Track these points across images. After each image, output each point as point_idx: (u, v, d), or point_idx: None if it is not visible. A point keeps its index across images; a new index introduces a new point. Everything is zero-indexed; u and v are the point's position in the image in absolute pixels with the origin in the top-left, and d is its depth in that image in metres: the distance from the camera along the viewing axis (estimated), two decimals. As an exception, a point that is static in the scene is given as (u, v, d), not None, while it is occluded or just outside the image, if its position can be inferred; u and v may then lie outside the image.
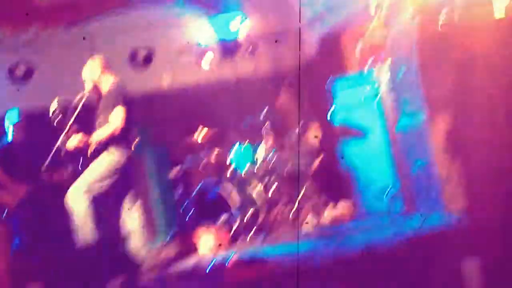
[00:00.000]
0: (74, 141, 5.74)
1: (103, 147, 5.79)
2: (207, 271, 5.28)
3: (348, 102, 7.23)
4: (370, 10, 7.10)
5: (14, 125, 7.15)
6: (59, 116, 5.65)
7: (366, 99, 7.05)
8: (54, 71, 8.31)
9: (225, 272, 5.09)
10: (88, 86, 5.97)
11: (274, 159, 7.41)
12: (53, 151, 5.85)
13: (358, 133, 7.08)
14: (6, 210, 6.80)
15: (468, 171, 5.72)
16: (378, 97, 6.93)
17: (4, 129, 7.23)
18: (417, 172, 6.28)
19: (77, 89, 6.09)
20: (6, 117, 7.23)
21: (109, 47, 8.39)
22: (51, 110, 5.61)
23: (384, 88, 6.91)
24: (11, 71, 8.36)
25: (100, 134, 5.77)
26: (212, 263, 5.34)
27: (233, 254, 5.44)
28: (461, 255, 5.06)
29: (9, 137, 7.19)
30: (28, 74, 8.42)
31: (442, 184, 5.82)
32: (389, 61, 6.74)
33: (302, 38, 9.41)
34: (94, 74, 6.00)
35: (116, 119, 5.74)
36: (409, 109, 6.29)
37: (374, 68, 7.07)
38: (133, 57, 8.90)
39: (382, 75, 6.93)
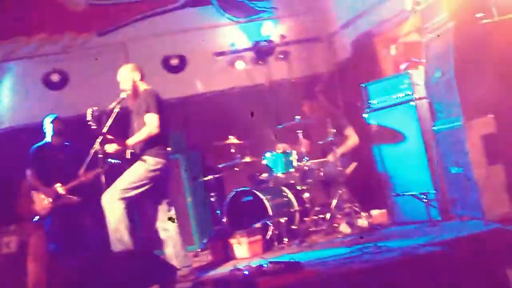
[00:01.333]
0: (111, 148, 5.77)
1: (138, 153, 5.81)
2: (242, 278, 5.23)
3: (383, 107, 7.12)
4: (405, 13, 7.04)
5: (53, 129, 7.25)
6: (95, 122, 5.67)
7: (401, 103, 6.95)
8: (88, 78, 8.40)
9: (260, 279, 5.03)
10: (123, 92, 6.00)
11: (307, 166, 7.36)
12: (90, 155, 5.89)
13: (394, 138, 6.98)
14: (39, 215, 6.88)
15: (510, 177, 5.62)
16: (414, 101, 6.82)
17: (43, 133, 7.33)
18: (454, 177, 6.16)
19: (111, 96, 6.13)
20: (45, 120, 7.32)
21: (142, 53, 8.47)
22: (88, 115, 5.63)
23: (419, 92, 6.81)
24: (46, 79, 8.46)
25: (135, 140, 5.79)
26: (247, 270, 5.29)
27: (268, 261, 5.39)
28: (502, 264, 4.94)
29: (48, 139, 7.28)
30: (63, 81, 8.51)
31: (480, 191, 5.69)
32: (424, 64, 6.64)
33: (335, 42, 9.38)
34: (129, 80, 6.02)
35: (151, 125, 5.75)
36: (446, 114, 6.18)
37: (409, 71, 6.98)
38: (166, 62, 8.94)
39: (418, 79, 6.84)
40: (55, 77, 8.50)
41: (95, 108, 5.69)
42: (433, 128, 6.48)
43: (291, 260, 5.59)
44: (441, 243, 5.44)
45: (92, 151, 5.83)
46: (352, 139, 7.68)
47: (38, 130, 7.39)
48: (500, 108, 5.72)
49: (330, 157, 7.46)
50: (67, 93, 8.52)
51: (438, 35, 6.13)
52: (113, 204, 5.65)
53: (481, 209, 5.71)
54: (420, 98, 6.80)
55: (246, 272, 5.24)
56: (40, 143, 7.33)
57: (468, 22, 5.83)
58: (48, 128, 7.31)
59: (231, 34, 9.24)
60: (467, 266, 5.02)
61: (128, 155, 5.80)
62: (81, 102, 7.88)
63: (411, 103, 6.85)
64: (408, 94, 6.89)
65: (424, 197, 6.59)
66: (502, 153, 5.71)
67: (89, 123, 5.67)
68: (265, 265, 5.28)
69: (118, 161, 5.88)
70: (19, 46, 8.51)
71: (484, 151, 5.75)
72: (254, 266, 5.43)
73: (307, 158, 7.37)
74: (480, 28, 5.73)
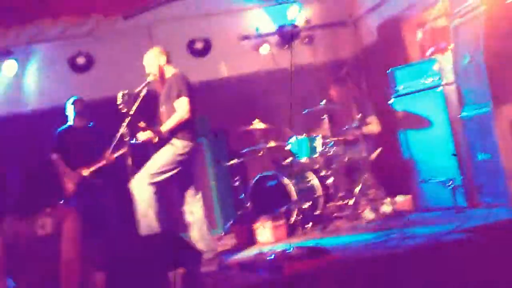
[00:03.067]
0: (144, 136, 5.78)
1: (167, 137, 5.82)
2: (267, 262, 5.24)
3: (410, 92, 7.06)
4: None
5: (74, 111, 7.29)
6: (125, 105, 5.68)
7: (428, 88, 6.88)
8: (113, 61, 8.42)
9: (284, 264, 5.04)
10: (150, 76, 5.99)
11: (332, 151, 7.33)
12: (117, 138, 5.92)
13: (420, 123, 6.92)
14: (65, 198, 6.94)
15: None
16: (441, 86, 6.75)
17: (66, 116, 7.38)
18: (481, 164, 6.11)
19: (137, 79, 6.14)
20: (68, 103, 7.36)
21: (167, 37, 8.46)
22: (118, 98, 5.65)
23: (447, 77, 6.74)
24: (72, 61, 8.49)
25: (168, 126, 5.78)
26: (271, 255, 5.30)
27: (292, 246, 5.39)
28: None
29: (71, 122, 7.32)
30: (88, 64, 8.54)
31: (508, 178, 5.64)
32: (452, 49, 6.56)
33: (361, 26, 9.31)
34: (155, 64, 6.01)
35: (182, 109, 5.75)
36: (474, 99, 6.11)
37: (437, 57, 6.91)
38: (191, 46, 8.93)
39: (445, 64, 6.76)
40: (80, 60, 8.52)
41: (125, 91, 5.70)
42: (461, 114, 6.42)
43: (315, 245, 5.60)
44: (467, 230, 5.41)
45: (119, 134, 5.85)
46: (373, 126, 7.62)
47: (64, 113, 7.44)
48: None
49: (355, 141, 7.42)
50: (92, 76, 8.54)
51: (467, 19, 6.06)
52: (142, 189, 5.68)
53: (508, 196, 5.66)
54: (447, 84, 6.72)
55: (271, 257, 5.25)
56: (63, 127, 7.38)
57: (499, 7, 5.75)
58: (70, 110, 7.36)
59: (256, 18, 9.19)
60: (493, 254, 4.98)
61: (157, 139, 5.81)
62: (107, 85, 7.96)
63: (439, 88, 6.78)
64: (436, 80, 6.82)
65: (451, 183, 6.54)
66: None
67: (119, 106, 5.69)
68: (290, 250, 5.29)
69: (139, 141, 5.88)
70: (45, 28, 8.51)
71: (512, 138, 5.71)
72: (279, 250, 5.44)
73: (332, 143, 7.33)
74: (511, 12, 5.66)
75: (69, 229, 4.83)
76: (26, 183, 5.56)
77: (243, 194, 7.47)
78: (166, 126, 5.78)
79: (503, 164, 5.70)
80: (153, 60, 6.02)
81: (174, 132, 5.79)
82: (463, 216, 6.05)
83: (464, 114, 6.35)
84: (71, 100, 7.38)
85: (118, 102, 5.67)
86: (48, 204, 4.94)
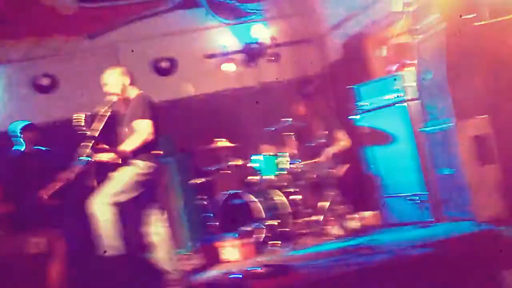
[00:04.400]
0: (105, 157, 5.71)
1: (128, 158, 5.76)
2: (234, 281, 5.22)
3: (374, 108, 7.12)
4: (396, 14, 7.03)
5: (24, 136, 7.20)
6: (83, 126, 5.60)
7: (392, 104, 6.94)
8: (78, 81, 8.36)
9: (252, 282, 5.02)
10: (113, 96, 5.93)
11: (298, 168, 7.34)
12: (76, 160, 5.83)
13: (385, 139, 6.97)
14: None
15: (502, 179, 5.62)
16: (405, 102, 6.82)
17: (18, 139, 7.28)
18: (445, 178, 6.16)
19: (102, 99, 6.08)
20: (16, 128, 7.26)
21: (132, 56, 8.43)
22: (77, 120, 5.57)
23: (410, 93, 6.81)
24: (36, 82, 8.41)
25: (131, 147, 5.72)
26: (240, 273, 5.28)
27: (260, 264, 5.38)
28: (493, 265, 4.93)
29: (22, 147, 7.23)
30: (53, 84, 8.47)
31: (472, 192, 5.69)
32: (415, 65, 6.64)
33: (326, 43, 9.37)
34: (119, 84, 5.95)
35: (144, 131, 5.69)
36: (437, 115, 6.18)
37: (400, 73, 6.98)
38: (156, 65, 8.92)
39: (409, 80, 6.83)
40: (45, 81, 8.45)
41: (85, 113, 5.62)
42: (424, 129, 6.48)
43: (283, 263, 5.59)
44: (432, 244, 5.44)
45: (82, 156, 5.77)
46: (343, 142, 7.65)
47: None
48: (492, 109, 5.73)
49: (322, 159, 7.44)
50: (57, 96, 8.47)
51: (430, 36, 6.14)
52: (103, 209, 5.59)
53: (472, 210, 5.72)
54: (411, 99, 6.79)
55: (239, 275, 5.23)
56: (15, 152, 7.26)
57: (460, 23, 5.84)
58: (22, 136, 7.25)
59: (222, 36, 9.22)
60: (458, 267, 5.02)
61: (119, 161, 5.74)
62: (72, 106, 7.88)
63: (402, 104, 6.84)
64: (399, 96, 6.88)
65: (416, 198, 6.59)
66: (494, 154, 5.72)
67: (79, 127, 5.60)
68: (258, 268, 5.27)
69: (89, 158, 5.77)
70: (7, 49, 8.45)
71: (475, 152, 5.76)
72: (247, 269, 5.42)
73: (299, 160, 7.35)
74: (472, 29, 5.74)
75: (59, 250, 4.87)
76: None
77: (211, 213, 7.43)
78: (128, 146, 5.72)
79: (467, 178, 5.75)
80: (116, 80, 5.95)
81: (136, 153, 5.73)
82: (428, 231, 6.10)
83: (427, 129, 6.41)
84: (22, 125, 7.27)
85: (78, 123, 5.57)
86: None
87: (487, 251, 5.12)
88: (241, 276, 5.21)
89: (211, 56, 9.10)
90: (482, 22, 5.63)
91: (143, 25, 8.92)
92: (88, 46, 8.67)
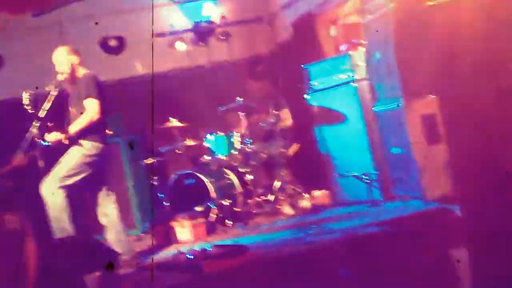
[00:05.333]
0: (51, 137, 5.60)
1: (75, 139, 5.66)
2: (185, 261, 5.21)
3: (324, 88, 7.14)
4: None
5: None
6: (32, 105, 5.49)
7: (342, 84, 6.98)
8: (23, 60, 8.16)
9: (204, 262, 5.02)
10: (59, 75, 5.81)
11: (249, 148, 7.34)
12: (25, 141, 5.70)
13: (335, 119, 7.02)
14: None
15: (450, 158, 5.72)
16: (354, 82, 6.86)
17: None
18: (395, 158, 6.24)
19: (47, 78, 5.96)
20: None
21: (79, 34, 8.26)
22: (24, 99, 5.45)
23: (360, 73, 6.86)
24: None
25: (77, 127, 5.63)
26: (191, 253, 5.27)
27: (211, 244, 5.37)
28: (442, 243, 5.04)
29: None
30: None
31: (421, 171, 5.79)
32: (364, 45, 6.68)
33: (276, 23, 9.36)
34: (66, 64, 5.83)
35: (91, 111, 5.60)
36: (386, 95, 6.24)
37: (350, 53, 7.01)
38: (104, 44, 8.76)
39: (358, 60, 6.88)
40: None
41: (31, 92, 5.51)
42: (373, 109, 6.54)
43: (234, 243, 5.60)
44: (382, 223, 5.52)
45: (27, 135, 5.65)
46: (286, 121, 7.66)
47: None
48: (440, 89, 5.81)
49: (271, 138, 7.46)
50: (2, 75, 8.24)
51: (378, 16, 6.18)
52: (53, 193, 5.51)
53: (421, 189, 5.81)
54: (361, 79, 6.85)
55: (190, 256, 5.22)
56: None
57: (407, 4, 5.89)
58: None
59: (171, 15, 9.09)
60: (408, 246, 5.11)
61: (66, 141, 5.64)
62: (17, 85, 7.68)
63: (352, 84, 6.89)
64: (349, 76, 6.92)
65: (366, 177, 6.67)
66: (442, 133, 5.81)
67: (26, 107, 5.49)
68: (209, 249, 5.27)
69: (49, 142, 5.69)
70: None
71: (424, 132, 5.85)
72: (198, 249, 5.41)
73: (250, 140, 7.34)
74: (420, 9, 5.79)
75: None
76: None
77: (162, 193, 7.38)
78: (74, 126, 5.63)
79: (416, 157, 5.84)
80: (63, 59, 5.84)
81: (83, 133, 5.64)
82: (379, 210, 6.18)
83: (376, 109, 6.48)
84: None
85: (25, 102, 5.46)
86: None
87: (435, 230, 5.22)
88: (192, 257, 5.20)
89: (160, 35, 8.98)
90: (432, 3, 5.69)
91: (90, 3, 8.73)
92: (33, 25, 8.45)
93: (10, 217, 4.93)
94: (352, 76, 6.89)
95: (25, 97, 5.49)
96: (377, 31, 6.26)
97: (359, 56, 6.88)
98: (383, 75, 6.23)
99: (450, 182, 5.62)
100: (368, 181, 6.63)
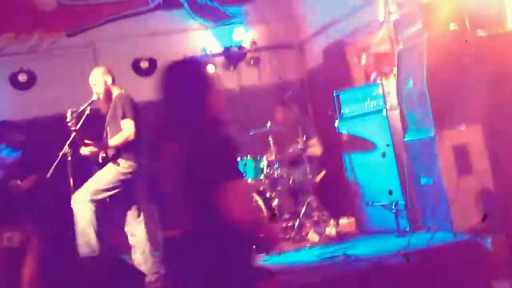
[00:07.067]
0: (86, 150, 5.68)
1: (110, 156, 5.73)
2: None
3: (354, 115, 7.13)
4: (377, 23, 7.06)
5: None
6: (72, 123, 5.61)
7: (373, 112, 6.96)
8: (56, 78, 8.27)
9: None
10: (94, 95, 5.90)
11: (277, 173, 7.32)
12: (60, 156, 5.79)
13: (364, 147, 6.98)
14: None
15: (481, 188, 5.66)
16: (385, 110, 6.84)
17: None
18: (424, 188, 6.18)
19: (79, 97, 6.03)
20: None
21: (112, 55, 8.36)
22: (68, 116, 5.58)
23: (391, 101, 6.83)
24: (13, 78, 8.31)
25: (113, 143, 5.70)
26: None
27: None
28: (470, 275, 4.97)
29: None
30: (30, 81, 8.37)
31: (450, 202, 5.72)
32: (395, 74, 6.66)
33: (307, 49, 9.39)
34: (101, 83, 5.91)
35: (128, 131, 5.67)
36: (417, 124, 6.20)
37: (381, 81, 7.00)
38: (136, 65, 8.85)
39: (389, 88, 6.86)
40: (22, 77, 8.34)
41: (74, 109, 5.62)
42: (404, 138, 6.49)
43: (260, 268, 5.55)
44: (409, 253, 5.45)
45: (62, 152, 5.73)
46: (315, 149, 7.63)
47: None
48: (473, 119, 5.77)
49: (299, 164, 7.42)
50: (34, 93, 8.36)
51: (411, 44, 6.17)
52: (82, 206, 5.55)
53: (450, 221, 5.74)
54: (391, 108, 6.82)
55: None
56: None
57: (442, 34, 5.88)
58: None
59: (202, 38, 9.17)
60: (434, 277, 5.04)
61: (100, 159, 5.71)
62: (49, 103, 7.80)
63: (383, 112, 6.86)
64: (380, 104, 6.90)
65: (393, 207, 6.60)
66: (472, 164, 5.75)
67: (68, 123, 5.60)
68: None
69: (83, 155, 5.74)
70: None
71: (454, 162, 5.79)
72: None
73: (277, 165, 7.33)
74: (454, 39, 5.79)
75: (33, 246, 4.81)
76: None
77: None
78: (112, 142, 5.70)
79: (445, 189, 5.77)
80: (99, 79, 5.92)
81: (118, 151, 5.70)
82: (405, 240, 6.11)
83: (407, 138, 6.43)
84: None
85: (68, 120, 5.58)
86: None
87: (462, 262, 5.15)
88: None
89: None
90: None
91: (123, 25, 8.85)
92: (67, 44, 8.57)
93: (8, 234, 4.95)
94: (383, 105, 6.87)
95: (69, 114, 5.60)
96: (409, 60, 6.25)
97: (390, 84, 6.87)
98: (414, 104, 6.19)
99: (480, 214, 5.54)
100: (395, 210, 6.56)
